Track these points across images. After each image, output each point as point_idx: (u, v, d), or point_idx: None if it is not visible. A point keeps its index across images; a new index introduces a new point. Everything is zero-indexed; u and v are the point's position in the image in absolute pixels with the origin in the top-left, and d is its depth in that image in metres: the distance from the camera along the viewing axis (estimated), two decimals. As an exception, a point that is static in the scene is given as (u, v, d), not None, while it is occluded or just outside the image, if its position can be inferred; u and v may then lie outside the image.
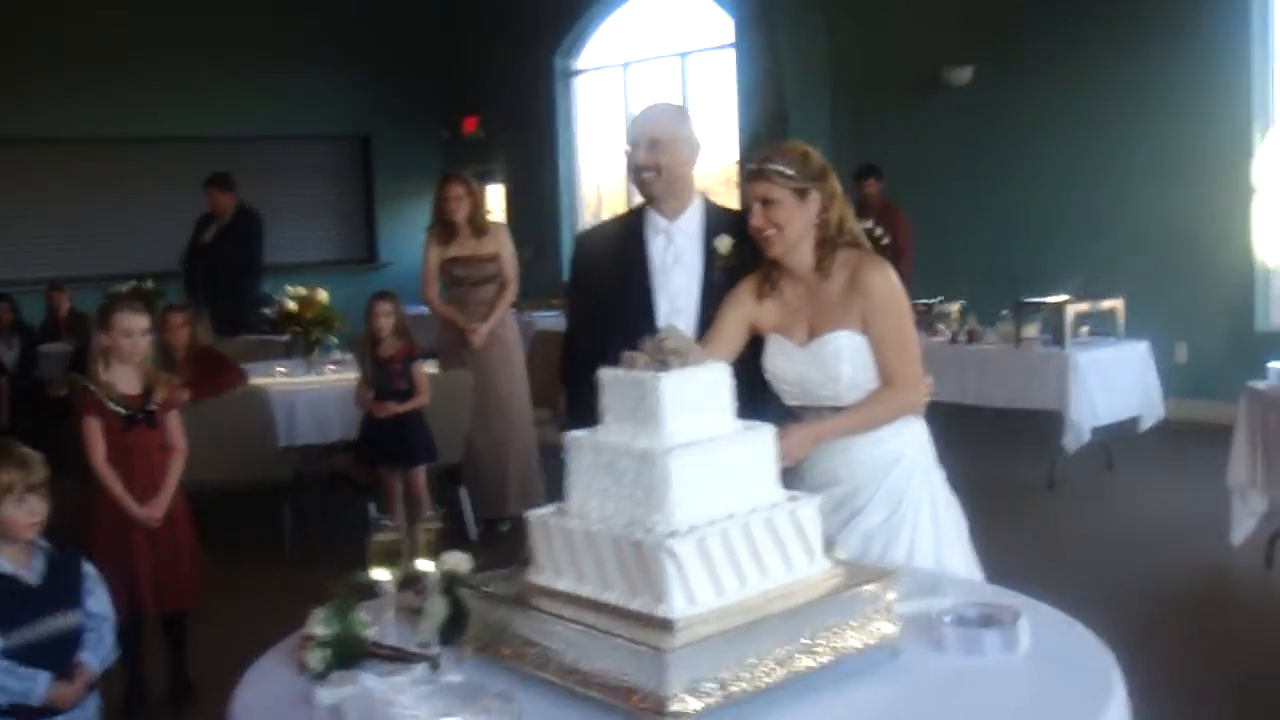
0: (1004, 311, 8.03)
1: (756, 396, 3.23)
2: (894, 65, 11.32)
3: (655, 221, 3.48)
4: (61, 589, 3.26)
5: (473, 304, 7.02)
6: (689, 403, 2.41)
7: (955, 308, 8.39)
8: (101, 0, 13.54)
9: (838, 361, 3.13)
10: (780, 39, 11.91)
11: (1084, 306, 7.65)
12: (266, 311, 8.07)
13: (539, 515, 2.49)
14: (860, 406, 3.16)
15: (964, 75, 10.66)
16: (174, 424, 4.61)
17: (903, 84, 11.26)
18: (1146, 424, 7.83)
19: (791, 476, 3.27)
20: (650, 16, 14.02)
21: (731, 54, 12.69)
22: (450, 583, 2.65)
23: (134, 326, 4.45)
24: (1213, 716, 4.41)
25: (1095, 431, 7.50)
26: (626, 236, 3.51)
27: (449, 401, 6.54)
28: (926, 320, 8.46)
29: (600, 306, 3.47)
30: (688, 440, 2.35)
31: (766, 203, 3.11)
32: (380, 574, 2.64)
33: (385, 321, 6.43)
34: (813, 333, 3.17)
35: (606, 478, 2.40)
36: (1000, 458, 8.27)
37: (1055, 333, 7.58)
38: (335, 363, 7.54)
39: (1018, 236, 10.37)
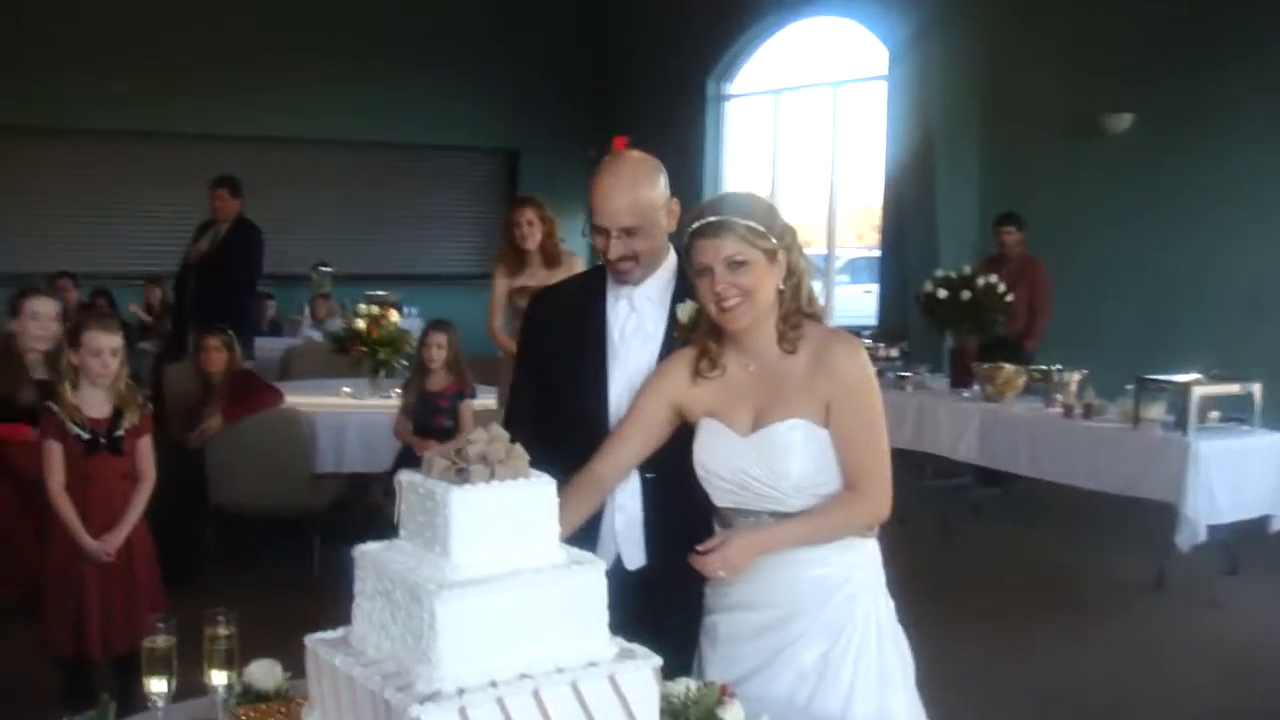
0: (1129, 387, 7.25)
1: (685, 489, 2.76)
2: (1049, 108, 10.54)
3: (615, 285, 3.00)
4: None
5: (536, 338, 6.64)
6: (490, 527, 1.96)
7: (1075, 378, 7.62)
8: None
9: (786, 457, 2.61)
10: (932, 73, 11.28)
11: (1214, 389, 6.83)
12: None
13: (317, 640, 2.07)
14: (817, 513, 2.62)
15: (1122, 123, 9.85)
16: (144, 452, 4.33)
17: (1057, 128, 10.48)
18: (1279, 525, 6.96)
19: (709, 592, 2.79)
20: (805, 44, 13.56)
21: (884, 86, 12.11)
22: (244, 701, 2.26)
23: (104, 345, 4.20)
24: None
25: (1215, 530, 6.68)
26: (585, 300, 3.04)
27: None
28: (1042, 389, 7.74)
29: (548, 378, 3.03)
30: (475, 576, 1.90)
31: (734, 264, 2.60)
32: (156, 684, 2.25)
33: (437, 353, 6.12)
34: (759, 420, 2.65)
35: (385, 609, 1.97)
36: (1107, 550, 7.51)
37: (1180, 415, 6.79)
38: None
39: (1164, 304, 9.51)
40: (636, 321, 2.97)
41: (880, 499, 2.65)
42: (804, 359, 2.65)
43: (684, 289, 2.92)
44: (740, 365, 2.71)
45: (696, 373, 2.72)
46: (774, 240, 2.62)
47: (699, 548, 2.58)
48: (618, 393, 2.92)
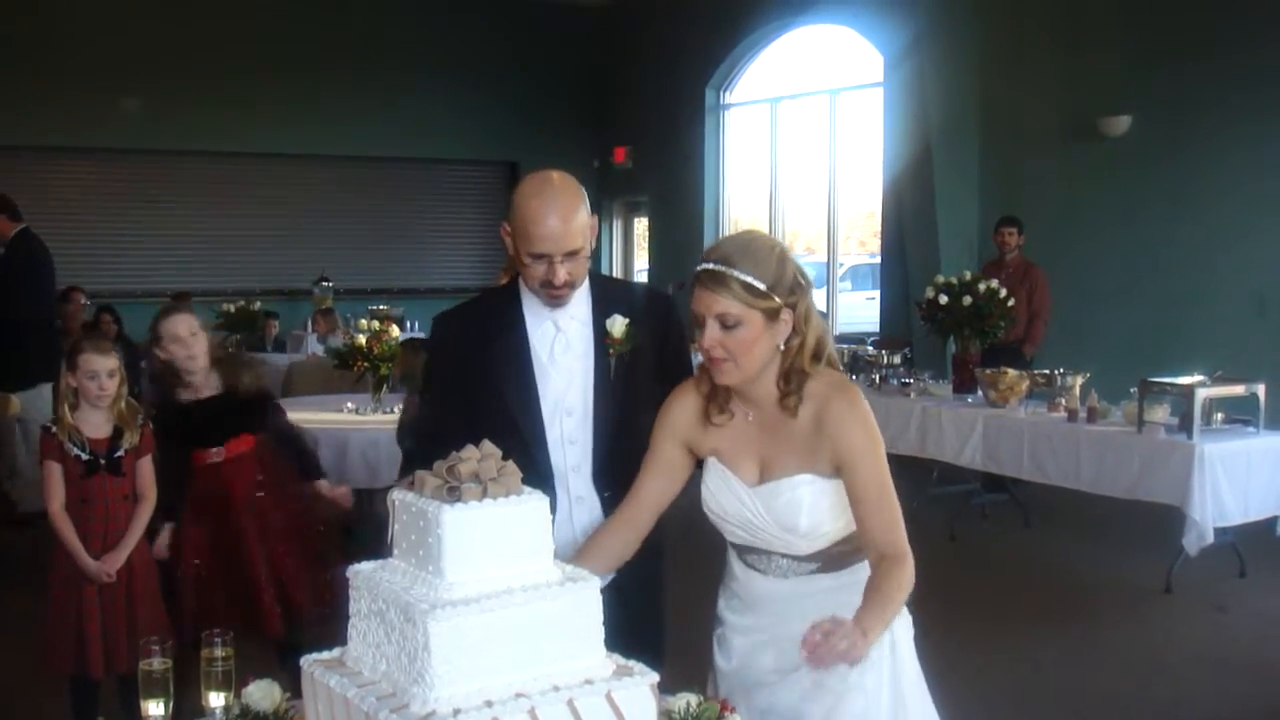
0: (1133, 390, 7.22)
1: None
2: (1046, 112, 10.55)
3: (535, 305, 2.90)
4: None
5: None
6: (483, 545, 1.94)
7: (1078, 382, 7.59)
8: (270, 14, 13.80)
9: (795, 513, 2.53)
10: (928, 79, 11.27)
11: (1218, 390, 6.80)
12: None
13: (312, 660, 2.06)
14: (883, 596, 2.39)
15: (1120, 125, 9.84)
16: (144, 472, 4.32)
17: (1055, 132, 10.48)
18: (1288, 527, 6.93)
19: (721, 604, 2.77)
20: (802, 52, 13.58)
21: (880, 92, 12.11)
22: (242, 724, 2.24)
23: (99, 368, 4.19)
24: None
25: (1222, 533, 6.65)
26: (503, 321, 2.93)
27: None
28: (1045, 393, 7.72)
29: (471, 408, 2.86)
30: (468, 595, 1.89)
31: (726, 323, 2.45)
32: (154, 707, 2.24)
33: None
34: (765, 472, 2.57)
35: (380, 629, 1.96)
36: (1115, 554, 7.50)
37: (1185, 418, 6.75)
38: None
39: (1166, 306, 9.49)
40: (565, 341, 2.91)
41: (907, 551, 2.49)
42: (806, 418, 2.53)
43: (603, 302, 2.91)
44: (743, 411, 2.61)
45: (706, 416, 2.63)
46: (777, 299, 2.46)
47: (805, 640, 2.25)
48: (550, 411, 2.88)
